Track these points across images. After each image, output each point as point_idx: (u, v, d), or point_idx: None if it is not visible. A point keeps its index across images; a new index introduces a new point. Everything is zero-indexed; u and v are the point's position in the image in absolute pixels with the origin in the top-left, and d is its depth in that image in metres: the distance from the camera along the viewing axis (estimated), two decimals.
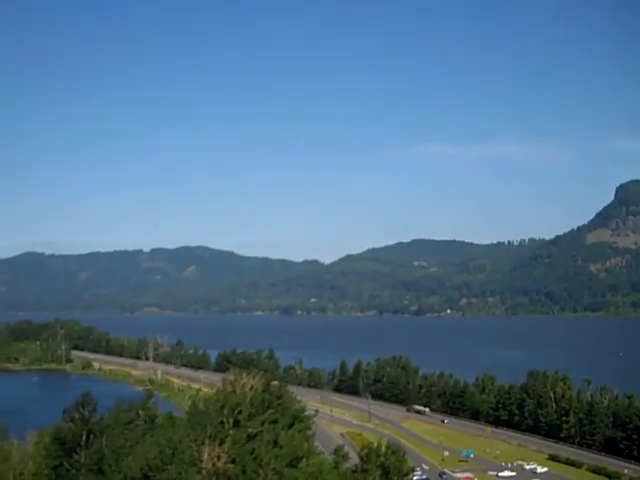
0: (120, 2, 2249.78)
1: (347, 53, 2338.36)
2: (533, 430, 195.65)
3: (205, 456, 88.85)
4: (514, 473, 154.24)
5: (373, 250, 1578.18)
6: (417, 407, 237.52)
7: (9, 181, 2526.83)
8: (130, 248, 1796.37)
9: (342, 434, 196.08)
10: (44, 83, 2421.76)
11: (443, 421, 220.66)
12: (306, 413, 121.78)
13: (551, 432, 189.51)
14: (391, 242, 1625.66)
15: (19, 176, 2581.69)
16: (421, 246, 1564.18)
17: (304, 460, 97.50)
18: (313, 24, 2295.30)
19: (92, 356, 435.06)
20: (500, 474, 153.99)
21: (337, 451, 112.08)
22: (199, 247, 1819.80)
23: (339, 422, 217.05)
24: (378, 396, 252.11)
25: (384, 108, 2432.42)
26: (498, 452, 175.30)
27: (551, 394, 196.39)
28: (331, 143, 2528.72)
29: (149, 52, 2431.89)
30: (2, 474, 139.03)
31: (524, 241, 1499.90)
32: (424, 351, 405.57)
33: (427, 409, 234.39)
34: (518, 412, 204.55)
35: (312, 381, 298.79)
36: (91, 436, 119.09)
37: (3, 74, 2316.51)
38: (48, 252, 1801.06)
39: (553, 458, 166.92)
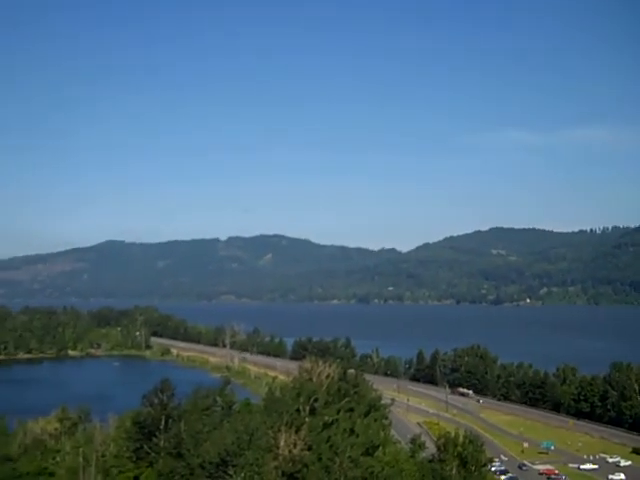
0: None
1: (426, 37, 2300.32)
2: (616, 423, 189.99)
3: (282, 443, 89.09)
4: (596, 466, 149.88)
5: (451, 238, 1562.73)
6: (461, 390, 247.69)
7: (91, 169, 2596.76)
8: (208, 237, 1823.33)
9: (419, 423, 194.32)
10: (122, 73, 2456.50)
11: (479, 401, 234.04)
12: (382, 402, 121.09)
13: (635, 425, 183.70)
14: (469, 230, 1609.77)
15: (100, 165, 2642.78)
16: (500, 234, 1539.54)
17: (380, 449, 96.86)
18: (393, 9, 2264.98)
19: (170, 343, 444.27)
20: (582, 467, 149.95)
21: (414, 440, 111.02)
22: (276, 235, 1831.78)
23: (416, 411, 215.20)
24: (455, 385, 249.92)
25: (463, 94, 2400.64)
26: (580, 444, 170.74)
27: (635, 386, 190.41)
28: (410, 130, 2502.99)
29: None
30: (86, 455, 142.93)
31: (607, 229, 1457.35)
32: (502, 341, 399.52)
33: (470, 391, 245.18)
34: (600, 404, 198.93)
35: (388, 370, 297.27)
36: (170, 421, 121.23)
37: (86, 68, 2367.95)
38: (128, 240, 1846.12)
39: (637, 451, 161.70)
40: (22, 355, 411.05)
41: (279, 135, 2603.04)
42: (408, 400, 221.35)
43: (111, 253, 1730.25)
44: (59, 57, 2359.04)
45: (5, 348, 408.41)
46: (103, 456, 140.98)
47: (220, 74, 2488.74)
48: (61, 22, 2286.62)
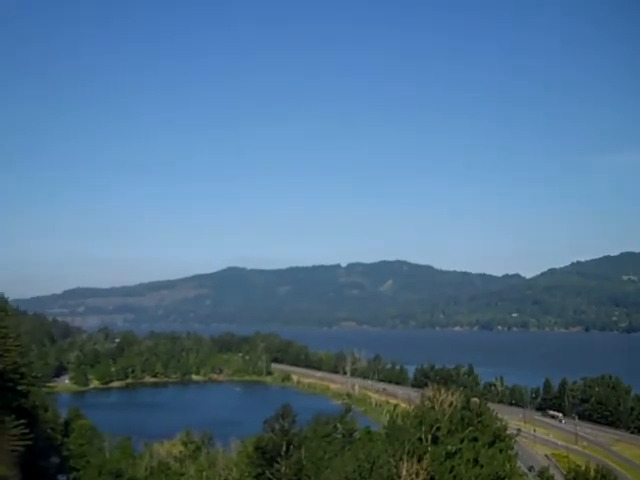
0: None
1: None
2: None
3: (404, 472, 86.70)
4: None
5: (578, 264, 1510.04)
6: (552, 412, 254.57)
7: (213, 197, 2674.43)
8: (328, 263, 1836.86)
9: (547, 455, 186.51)
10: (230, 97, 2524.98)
11: (561, 421, 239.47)
12: (508, 432, 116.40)
13: None
14: (598, 255, 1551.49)
15: (222, 193, 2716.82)
16: (631, 259, 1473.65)
17: None
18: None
19: (291, 369, 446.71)
20: None
21: (542, 473, 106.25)
22: (397, 261, 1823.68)
23: (543, 442, 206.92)
24: (585, 417, 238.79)
25: (588, 110, 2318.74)
26: None
27: None
28: (534, 151, 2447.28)
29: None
30: (209, 479, 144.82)
31: None
32: (637, 371, 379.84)
33: (560, 414, 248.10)
34: None
35: (513, 399, 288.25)
36: (291, 447, 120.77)
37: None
38: (249, 267, 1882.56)
39: None
40: (148, 379, 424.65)
41: (400, 162, 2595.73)
42: (534, 431, 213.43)
43: (232, 280, 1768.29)
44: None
45: (132, 372, 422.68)
46: None
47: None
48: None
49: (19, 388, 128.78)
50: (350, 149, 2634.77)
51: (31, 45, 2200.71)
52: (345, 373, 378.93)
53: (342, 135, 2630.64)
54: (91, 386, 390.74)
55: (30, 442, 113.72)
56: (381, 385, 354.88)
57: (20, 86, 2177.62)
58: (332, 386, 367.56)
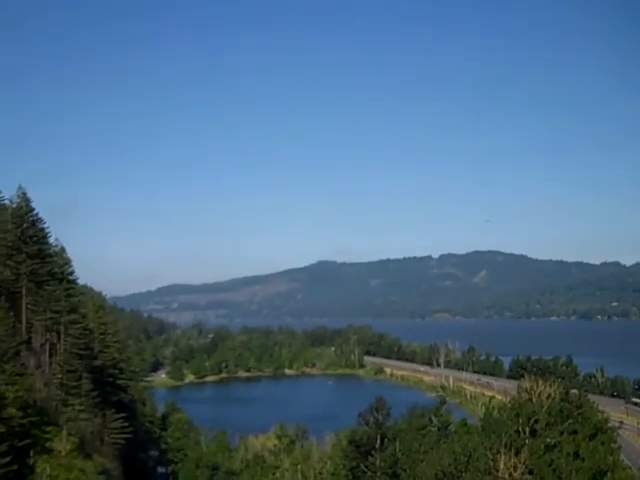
0: None
1: None
2: None
3: (501, 465, 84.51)
4: None
5: None
6: (635, 399, 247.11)
7: (302, 192, 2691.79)
8: (419, 254, 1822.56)
9: None
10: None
11: None
12: (610, 424, 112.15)
13: None
14: None
15: (310, 187, 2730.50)
16: None
17: (609, 474, 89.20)
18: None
19: (384, 361, 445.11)
20: None
21: None
22: (490, 251, 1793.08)
23: None
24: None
25: None
26: None
27: None
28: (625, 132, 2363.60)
29: None
30: (304, 472, 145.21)
31: None
32: None
33: None
34: None
35: (615, 390, 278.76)
36: (385, 440, 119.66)
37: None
38: (340, 260, 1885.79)
39: None
40: (242, 373, 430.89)
41: (490, 148, 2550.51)
42: (638, 424, 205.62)
43: (324, 273, 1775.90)
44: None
45: (226, 367, 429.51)
46: (320, 473, 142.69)
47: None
48: None
49: (118, 382, 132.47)
50: (441, 137, 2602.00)
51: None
52: (439, 365, 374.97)
53: (435, 125, 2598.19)
54: (186, 381, 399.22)
55: (130, 435, 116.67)
56: (476, 377, 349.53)
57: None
58: (426, 378, 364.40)
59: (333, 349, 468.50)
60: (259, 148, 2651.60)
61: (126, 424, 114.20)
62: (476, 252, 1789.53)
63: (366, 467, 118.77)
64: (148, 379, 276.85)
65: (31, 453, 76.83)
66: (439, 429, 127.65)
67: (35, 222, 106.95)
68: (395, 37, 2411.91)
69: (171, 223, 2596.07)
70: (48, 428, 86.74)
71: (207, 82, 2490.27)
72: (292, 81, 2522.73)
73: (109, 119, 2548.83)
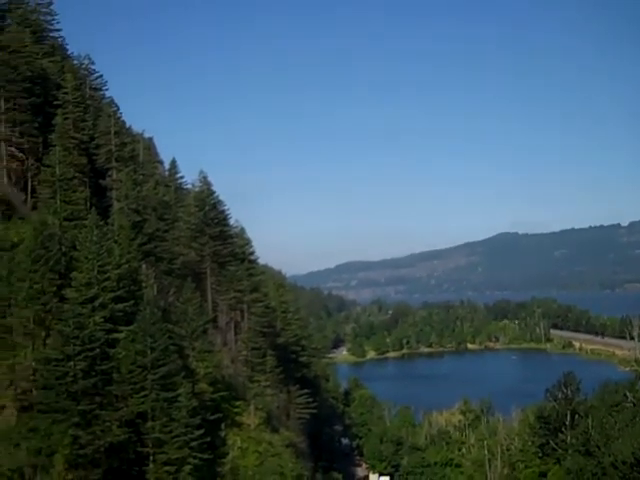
0: None
1: None
2: None
3: None
4: None
5: None
6: None
7: (482, 166, 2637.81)
8: (606, 223, 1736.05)
9: None
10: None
11: None
12: None
13: None
14: None
15: (483, 157, 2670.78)
16: None
17: None
18: None
19: (572, 335, 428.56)
20: None
21: None
22: None
23: None
24: None
25: None
26: None
27: None
28: None
29: None
30: (490, 448, 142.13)
31: None
32: None
33: None
34: None
35: None
36: (576, 416, 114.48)
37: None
38: (521, 232, 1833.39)
39: None
40: (423, 349, 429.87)
41: None
42: None
43: (504, 246, 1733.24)
44: None
45: (407, 342, 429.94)
46: (508, 450, 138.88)
47: None
48: None
49: (301, 360, 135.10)
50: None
51: None
52: (632, 338, 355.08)
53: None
54: (367, 357, 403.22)
55: (314, 410, 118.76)
56: None
57: None
58: (618, 352, 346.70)
59: (517, 323, 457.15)
60: (437, 121, 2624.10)
61: (310, 399, 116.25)
62: None
63: (556, 444, 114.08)
64: (330, 356, 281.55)
65: (222, 426, 79.67)
66: (635, 405, 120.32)
67: (216, 205, 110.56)
68: None
69: (347, 200, 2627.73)
70: (237, 403, 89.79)
71: None
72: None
73: (288, 103, 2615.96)
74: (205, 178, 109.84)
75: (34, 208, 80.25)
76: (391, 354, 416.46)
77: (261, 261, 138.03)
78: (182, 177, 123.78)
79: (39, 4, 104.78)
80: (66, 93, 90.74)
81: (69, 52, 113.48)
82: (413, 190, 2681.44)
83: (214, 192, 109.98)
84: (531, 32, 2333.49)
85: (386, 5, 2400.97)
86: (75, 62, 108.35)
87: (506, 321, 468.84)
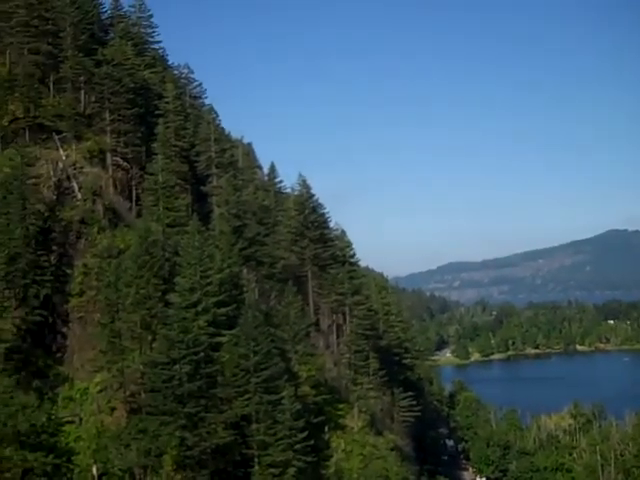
0: None
1: None
2: None
3: None
4: None
5: None
6: None
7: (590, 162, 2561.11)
8: None
9: None
10: None
11: None
12: None
13: None
14: None
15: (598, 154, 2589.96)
16: None
17: None
18: None
19: None
20: None
21: None
22: None
23: None
24: None
25: None
26: None
27: None
28: None
29: None
30: (603, 453, 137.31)
31: None
32: None
33: None
34: None
35: None
36: None
37: None
38: (631, 229, 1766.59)
39: None
40: (529, 350, 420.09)
41: None
42: None
43: (613, 243, 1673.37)
44: None
45: (513, 344, 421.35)
46: (622, 455, 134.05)
47: None
48: None
49: (404, 362, 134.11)
50: None
51: None
52: None
53: None
54: (472, 359, 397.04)
55: (418, 413, 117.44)
56: None
57: None
58: None
59: (629, 323, 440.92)
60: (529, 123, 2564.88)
61: (414, 402, 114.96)
62: None
63: None
64: (433, 358, 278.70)
65: (326, 429, 79.70)
66: None
67: (316, 208, 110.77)
68: None
69: (448, 200, 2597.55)
70: (340, 405, 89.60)
71: None
72: None
73: (381, 106, 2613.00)
74: (304, 181, 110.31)
75: (139, 215, 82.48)
76: (496, 356, 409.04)
77: (362, 263, 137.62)
78: (281, 181, 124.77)
79: (140, 17, 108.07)
80: (167, 102, 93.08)
81: (169, 62, 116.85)
82: (515, 188, 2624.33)
83: (313, 195, 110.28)
84: None
85: None
86: (175, 72, 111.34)
87: (617, 321, 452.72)
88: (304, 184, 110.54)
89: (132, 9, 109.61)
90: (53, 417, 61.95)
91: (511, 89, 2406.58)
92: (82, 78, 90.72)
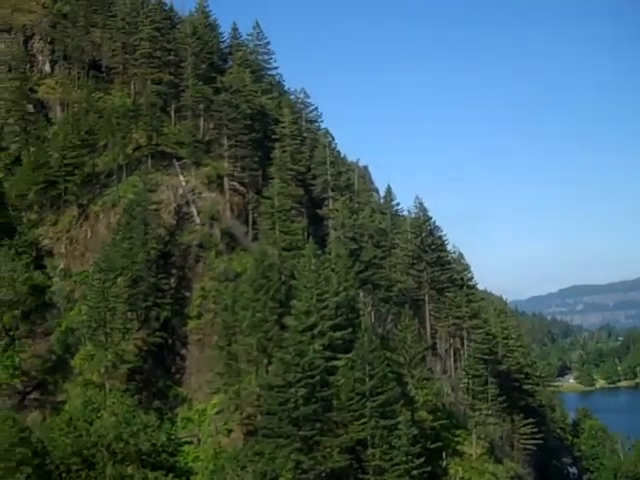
0: None
1: None
2: None
3: None
4: None
5: None
6: None
7: None
8: None
9: None
10: None
11: None
12: None
13: None
14: None
15: None
16: None
17: None
18: None
19: None
20: None
21: None
22: None
23: None
24: None
25: None
26: None
27: None
28: None
29: None
30: None
31: None
32: None
33: None
34: None
35: None
36: None
37: None
38: None
39: None
40: None
41: None
42: None
43: None
44: None
45: None
46: None
47: None
48: None
49: (525, 388, 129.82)
50: None
51: None
52: None
53: None
54: (596, 386, 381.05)
55: (540, 441, 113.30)
56: None
57: None
58: None
59: None
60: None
61: (536, 430, 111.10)
62: None
63: None
64: (555, 384, 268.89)
65: (443, 455, 78.01)
66: None
67: (433, 230, 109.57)
68: None
69: (570, 221, 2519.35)
70: (458, 432, 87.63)
71: None
72: None
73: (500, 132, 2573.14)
74: (421, 204, 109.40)
75: (255, 239, 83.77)
76: (623, 383, 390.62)
77: (480, 286, 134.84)
78: (398, 204, 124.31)
79: (257, 45, 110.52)
80: (284, 127, 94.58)
81: (286, 88, 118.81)
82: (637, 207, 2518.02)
83: (430, 218, 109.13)
84: None
85: None
86: (292, 97, 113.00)
87: None
88: (421, 206, 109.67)
89: (250, 37, 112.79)
90: (173, 437, 63.39)
91: None
92: (201, 106, 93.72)
